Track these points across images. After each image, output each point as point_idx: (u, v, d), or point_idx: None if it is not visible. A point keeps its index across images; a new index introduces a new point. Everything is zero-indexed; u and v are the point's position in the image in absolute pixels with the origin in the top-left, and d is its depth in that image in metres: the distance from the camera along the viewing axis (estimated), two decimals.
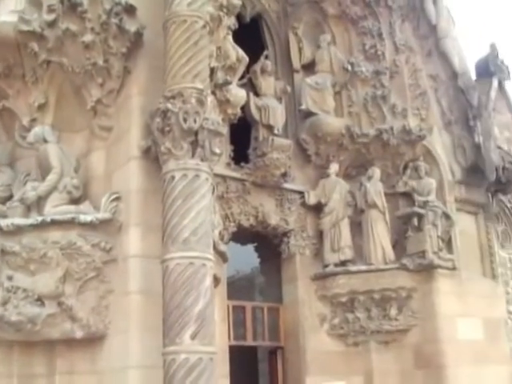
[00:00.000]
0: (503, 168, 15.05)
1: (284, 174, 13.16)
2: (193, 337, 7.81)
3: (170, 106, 8.47)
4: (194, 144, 8.50)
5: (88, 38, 9.34)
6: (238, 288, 13.55)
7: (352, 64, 14.33)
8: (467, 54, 16.24)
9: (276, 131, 13.22)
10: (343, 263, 13.39)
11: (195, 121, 8.45)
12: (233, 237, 12.37)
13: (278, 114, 13.40)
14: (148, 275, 8.65)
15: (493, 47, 19.62)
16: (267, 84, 13.70)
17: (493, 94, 19.03)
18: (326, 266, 13.38)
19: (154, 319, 8.23)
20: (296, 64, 14.44)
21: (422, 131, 13.92)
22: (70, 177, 9.43)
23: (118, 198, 9.12)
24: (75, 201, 9.38)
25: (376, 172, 13.81)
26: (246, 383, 13.98)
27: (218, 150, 8.68)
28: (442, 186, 14.15)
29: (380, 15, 14.53)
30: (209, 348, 7.95)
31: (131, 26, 9.34)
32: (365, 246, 13.55)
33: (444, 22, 15.24)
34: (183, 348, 7.80)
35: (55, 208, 9.17)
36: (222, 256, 10.18)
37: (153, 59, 9.41)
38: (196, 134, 8.48)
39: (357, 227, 13.74)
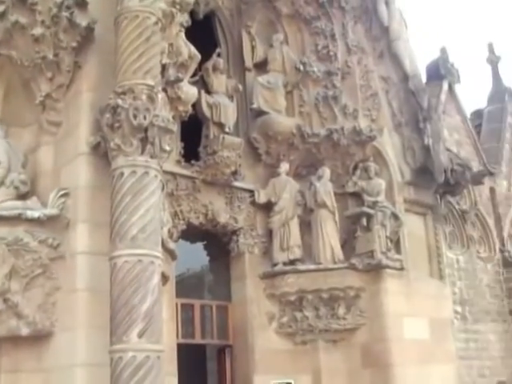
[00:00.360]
0: (452, 170, 15.22)
1: (234, 173, 13.14)
2: (140, 335, 7.78)
3: (120, 101, 8.41)
4: (144, 141, 8.46)
5: (38, 31, 9.24)
6: (186, 286, 13.48)
7: (304, 64, 14.36)
8: (418, 57, 16.42)
9: (227, 129, 13.19)
10: (292, 262, 13.40)
11: (145, 117, 8.41)
12: (182, 235, 12.30)
13: (229, 112, 13.37)
14: (95, 272, 8.58)
15: (443, 51, 19.89)
16: (219, 82, 13.65)
17: (443, 96, 19.31)
18: (275, 264, 13.38)
19: (102, 317, 8.16)
20: (248, 62, 14.41)
21: (372, 132, 14.01)
22: (18, 172, 9.32)
23: (66, 194, 9.03)
24: (22, 196, 9.26)
25: (326, 172, 13.86)
26: (194, 381, 13.96)
27: (167, 147, 8.66)
28: (392, 187, 14.26)
29: (333, 16, 14.58)
30: (156, 346, 7.92)
31: (82, 20, 9.24)
32: (314, 246, 13.58)
33: (396, 24, 15.36)
34: (130, 346, 7.76)
35: (2, 203, 9.04)
36: (170, 254, 10.15)
37: (104, 54, 9.33)
38: (146, 130, 8.44)
39: (306, 227, 13.76)
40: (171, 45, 9.95)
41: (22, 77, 9.62)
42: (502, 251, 19.50)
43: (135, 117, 8.37)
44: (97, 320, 8.39)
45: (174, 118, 9.65)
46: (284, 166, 13.84)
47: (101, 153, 8.85)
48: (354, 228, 13.79)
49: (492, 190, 19.97)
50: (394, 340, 13.10)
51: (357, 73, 14.57)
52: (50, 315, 8.78)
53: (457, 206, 18.79)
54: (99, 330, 8.26)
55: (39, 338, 8.81)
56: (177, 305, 12.00)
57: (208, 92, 13.40)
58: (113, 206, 8.25)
